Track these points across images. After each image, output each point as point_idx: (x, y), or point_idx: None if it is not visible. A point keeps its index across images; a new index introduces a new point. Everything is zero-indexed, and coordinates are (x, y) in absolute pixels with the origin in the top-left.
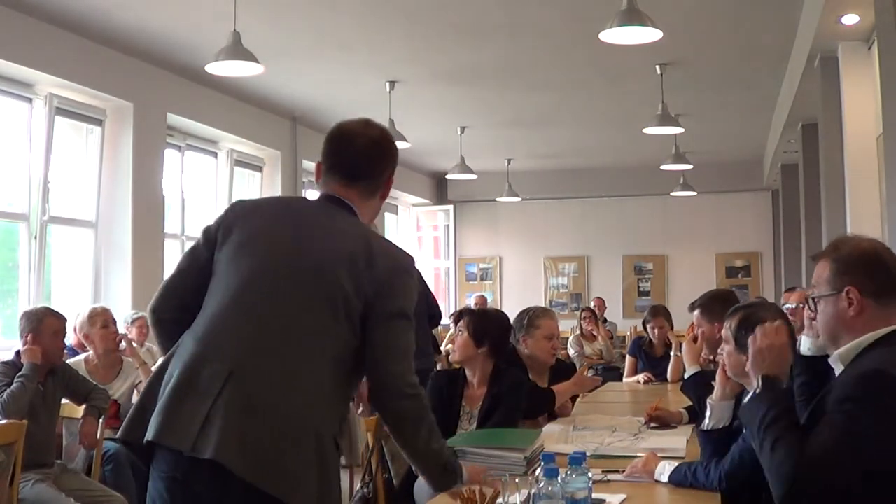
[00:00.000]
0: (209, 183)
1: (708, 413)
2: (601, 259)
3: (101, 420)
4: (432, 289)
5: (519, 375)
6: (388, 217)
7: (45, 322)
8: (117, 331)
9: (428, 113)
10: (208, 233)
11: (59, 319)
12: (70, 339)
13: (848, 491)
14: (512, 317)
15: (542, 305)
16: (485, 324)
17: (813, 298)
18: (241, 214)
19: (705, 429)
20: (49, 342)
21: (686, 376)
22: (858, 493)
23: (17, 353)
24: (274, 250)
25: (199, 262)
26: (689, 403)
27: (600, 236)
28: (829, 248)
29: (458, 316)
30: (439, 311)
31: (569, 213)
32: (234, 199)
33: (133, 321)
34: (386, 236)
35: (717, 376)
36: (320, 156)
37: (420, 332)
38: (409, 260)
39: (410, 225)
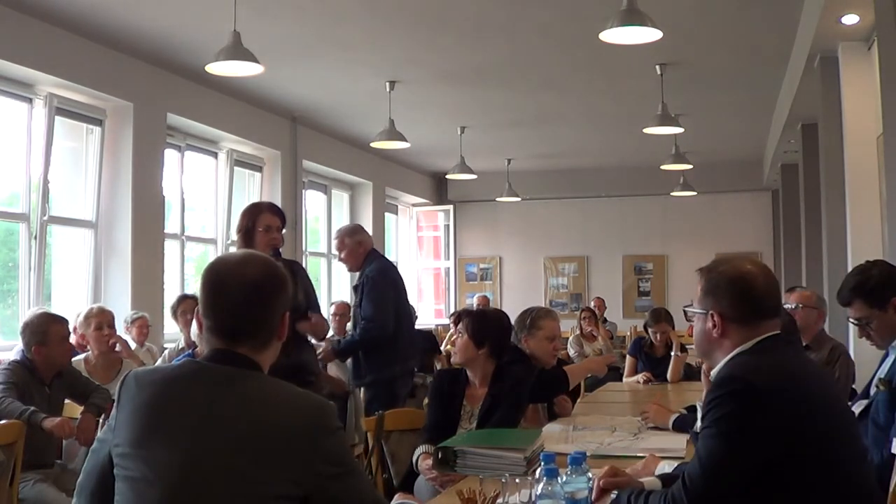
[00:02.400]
0: (209, 183)
1: (700, 415)
2: (601, 259)
3: (100, 418)
4: (431, 289)
5: (520, 375)
6: (388, 217)
7: (51, 331)
8: (112, 332)
9: (428, 113)
10: None
11: (63, 324)
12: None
13: (742, 493)
14: (512, 317)
15: (544, 306)
16: (484, 325)
17: (685, 311)
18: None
19: (697, 430)
20: (57, 349)
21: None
22: (750, 491)
23: (22, 352)
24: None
25: None
26: (690, 403)
27: (600, 236)
28: (708, 265)
29: (457, 317)
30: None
31: (569, 213)
32: (233, 200)
33: (133, 321)
34: (386, 237)
35: (703, 378)
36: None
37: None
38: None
39: (410, 225)
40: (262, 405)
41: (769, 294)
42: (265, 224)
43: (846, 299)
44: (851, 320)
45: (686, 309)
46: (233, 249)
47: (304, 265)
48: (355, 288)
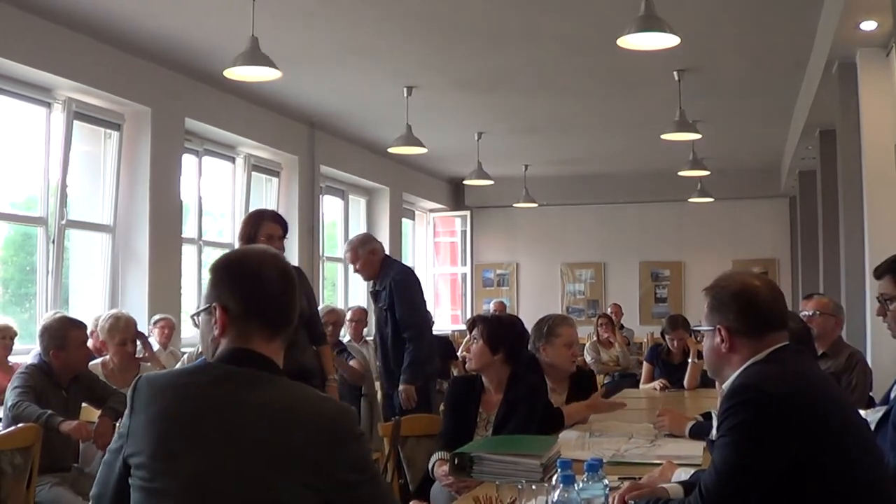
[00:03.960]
0: (226, 188)
1: (715, 423)
2: (618, 265)
3: (116, 422)
4: (448, 295)
5: (536, 380)
6: (405, 223)
7: (70, 336)
8: (134, 350)
9: (445, 119)
10: None
11: (82, 329)
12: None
13: (759, 501)
14: (529, 324)
15: (562, 313)
16: (499, 331)
17: (695, 330)
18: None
19: (713, 438)
20: (76, 354)
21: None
22: (767, 498)
23: (40, 356)
24: None
25: None
26: (707, 410)
27: (617, 243)
28: (712, 283)
29: (471, 323)
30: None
31: (586, 219)
32: (251, 205)
33: (156, 322)
34: (403, 243)
35: (718, 386)
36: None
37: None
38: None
39: (427, 231)
40: (285, 411)
41: (774, 306)
42: (267, 233)
43: (881, 272)
44: (877, 296)
45: (695, 328)
46: None
47: (320, 270)
48: (375, 294)
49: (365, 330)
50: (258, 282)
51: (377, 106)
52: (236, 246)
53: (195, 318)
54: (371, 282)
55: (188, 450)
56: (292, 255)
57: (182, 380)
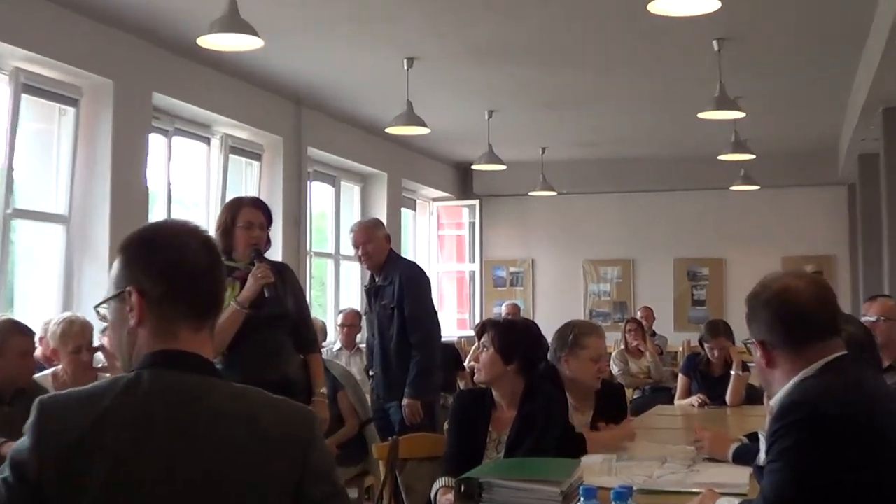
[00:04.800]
0: (200, 173)
1: (762, 446)
2: (649, 263)
3: None
4: (454, 296)
5: (555, 394)
6: (405, 213)
7: (10, 343)
8: (91, 359)
9: (451, 94)
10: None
11: (26, 336)
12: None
13: None
14: (546, 329)
15: (588, 320)
16: (513, 337)
17: (745, 345)
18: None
19: (760, 464)
20: (15, 364)
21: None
22: None
23: None
24: None
25: None
26: (753, 430)
27: (648, 237)
28: (753, 289)
29: (481, 328)
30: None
31: (612, 209)
32: (228, 192)
33: None
34: (402, 236)
35: (766, 402)
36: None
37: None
38: None
39: (430, 222)
40: (237, 420)
41: (821, 311)
42: (246, 220)
43: None
44: None
45: (745, 343)
46: None
47: (307, 267)
48: (377, 289)
49: (358, 336)
50: (180, 256)
51: (373, 80)
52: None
53: (100, 310)
54: (371, 275)
55: (133, 491)
56: (276, 250)
57: (105, 402)
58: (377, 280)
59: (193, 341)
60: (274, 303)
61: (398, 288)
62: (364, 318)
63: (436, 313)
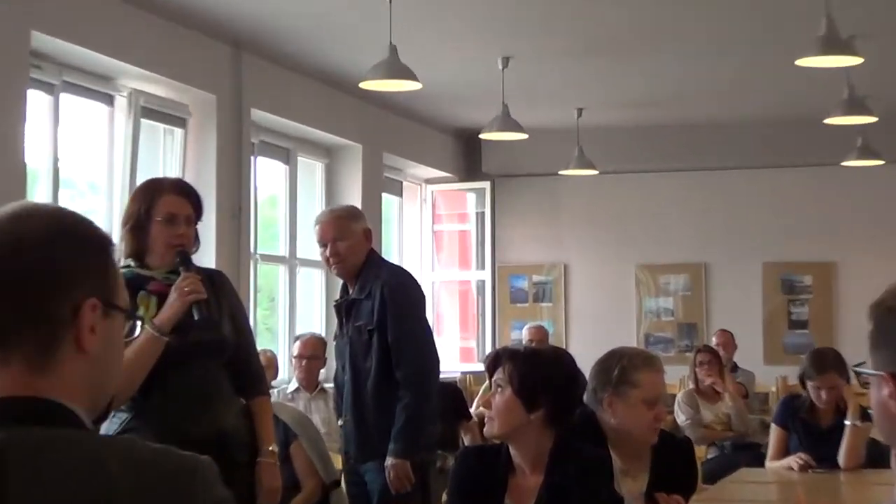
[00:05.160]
0: (100, 144)
1: None
2: (728, 269)
3: None
4: (455, 315)
5: (595, 452)
6: (388, 200)
7: None
8: None
9: (449, 36)
10: None
11: None
12: None
13: None
14: (584, 362)
15: (641, 349)
16: (537, 373)
17: (856, 372)
18: None
19: None
20: None
21: None
22: None
23: None
24: None
25: None
26: None
27: (726, 232)
28: (877, 300)
29: (493, 361)
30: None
31: (675, 194)
32: (139, 171)
33: None
34: (384, 231)
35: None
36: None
37: None
38: None
39: (422, 213)
40: (95, 481)
41: None
42: (166, 211)
43: None
44: None
45: (856, 370)
46: None
47: (251, 275)
48: (349, 305)
49: (322, 372)
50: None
51: (341, 16)
52: (115, 234)
53: None
54: (344, 286)
55: None
56: (207, 252)
57: None
58: (351, 292)
59: (15, 379)
60: (205, 327)
61: (379, 303)
62: (334, 345)
63: (432, 339)
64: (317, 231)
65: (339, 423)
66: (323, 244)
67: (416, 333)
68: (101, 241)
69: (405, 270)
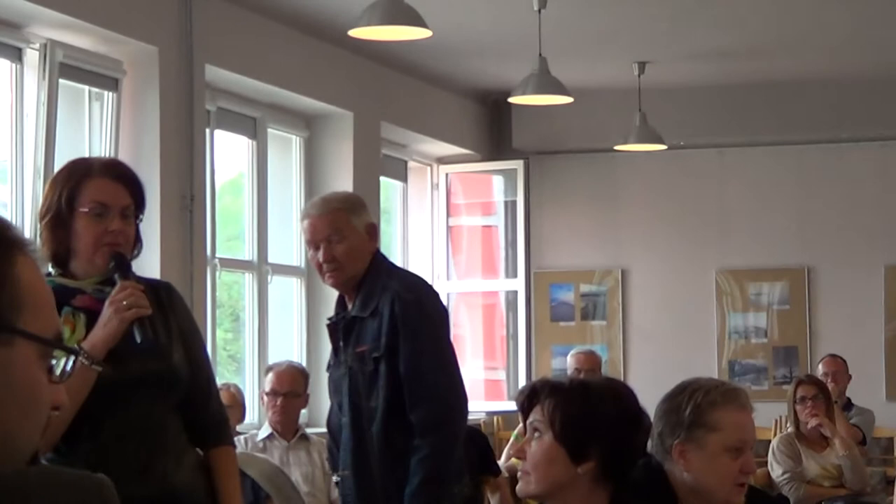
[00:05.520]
0: (3, 111)
1: None
2: (838, 274)
3: None
4: (479, 336)
5: None
6: (388, 185)
7: None
8: None
9: None
10: None
11: None
12: None
13: None
14: (651, 396)
15: (724, 380)
16: (587, 412)
17: None
18: None
19: None
20: None
21: None
22: None
23: None
24: None
25: None
26: None
27: (836, 226)
28: None
29: (528, 398)
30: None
31: (768, 176)
32: (57, 148)
33: None
34: (387, 225)
35: None
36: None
37: None
38: None
39: (435, 202)
40: None
41: None
42: (93, 200)
43: None
44: None
45: None
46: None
47: (206, 285)
48: (348, 324)
49: (303, 413)
50: None
51: None
52: (26, 226)
53: None
54: (340, 299)
55: None
56: (148, 254)
57: None
58: (350, 308)
59: None
60: (149, 353)
61: (388, 323)
62: (327, 377)
63: (458, 371)
64: (305, 228)
65: (335, 479)
66: (314, 245)
67: (437, 364)
68: None
69: (422, 280)
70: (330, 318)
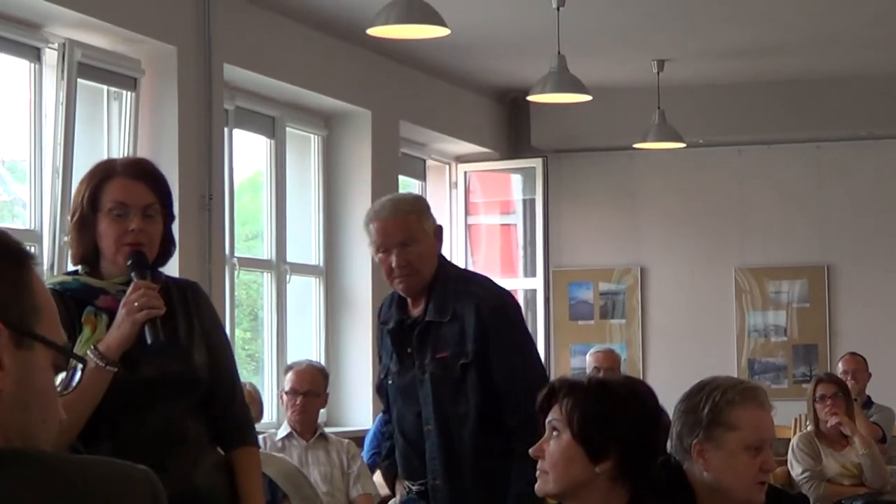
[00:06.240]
0: (23, 111)
1: None
2: (858, 272)
3: None
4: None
5: None
6: (406, 184)
7: None
8: None
9: None
10: None
11: None
12: None
13: None
14: (669, 394)
15: (743, 378)
16: (605, 411)
17: None
18: None
19: None
20: None
21: None
22: None
23: None
24: None
25: None
26: None
27: (857, 224)
28: None
29: (546, 396)
30: None
31: (788, 174)
32: (76, 148)
33: None
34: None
35: None
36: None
37: None
38: None
39: (454, 200)
40: None
41: None
42: (114, 200)
43: None
44: None
45: None
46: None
47: (225, 283)
48: (424, 329)
49: (322, 412)
50: None
51: None
52: (45, 233)
53: None
54: (400, 303)
55: None
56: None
57: None
58: (415, 312)
59: None
60: (169, 354)
61: (476, 329)
62: (389, 385)
63: (543, 367)
64: (374, 231)
65: (412, 487)
66: (384, 249)
67: (531, 367)
68: (7, 251)
69: (498, 284)
70: (389, 324)
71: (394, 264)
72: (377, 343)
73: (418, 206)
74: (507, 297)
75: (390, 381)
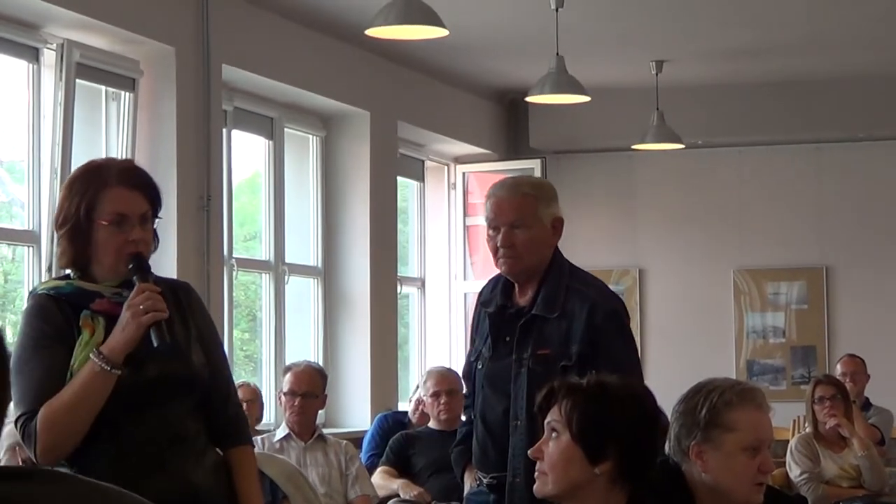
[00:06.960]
0: (21, 111)
1: None
2: (856, 274)
3: None
4: None
5: None
6: (405, 184)
7: None
8: None
9: None
10: None
11: None
12: None
13: None
14: (668, 396)
15: (741, 380)
16: (604, 412)
17: None
18: None
19: None
20: None
21: None
22: None
23: None
24: None
25: None
26: None
27: (856, 226)
28: None
29: (545, 398)
30: None
31: (786, 175)
32: (74, 149)
33: None
34: (404, 224)
35: None
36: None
37: None
38: None
39: (452, 202)
40: None
41: None
42: (113, 211)
43: None
44: None
45: None
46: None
47: (222, 285)
48: (528, 321)
49: (321, 413)
50: None
51: None
52: (43, 233)
53: None
54: (504, 286)
55: None
56: (165, 255)
57: None
58: (520, 301)
59: None
60: (169, 355)
61: (585, 330)
62: (477, 369)
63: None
64: (489, 206)
65: (483, 479)
66: (494, 226)
67: (635, 374)
68: None
69: (610, 289)
70: (486, 304)
71: (499, 243)
72: (472, 323)
73: (540, 191)
74: (620, 303)
75: (480, 366)
